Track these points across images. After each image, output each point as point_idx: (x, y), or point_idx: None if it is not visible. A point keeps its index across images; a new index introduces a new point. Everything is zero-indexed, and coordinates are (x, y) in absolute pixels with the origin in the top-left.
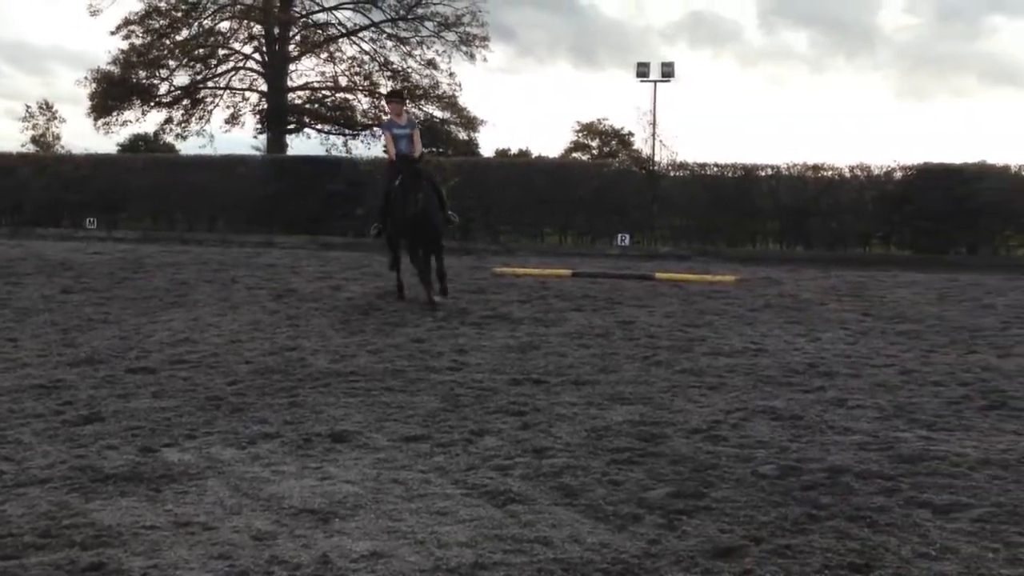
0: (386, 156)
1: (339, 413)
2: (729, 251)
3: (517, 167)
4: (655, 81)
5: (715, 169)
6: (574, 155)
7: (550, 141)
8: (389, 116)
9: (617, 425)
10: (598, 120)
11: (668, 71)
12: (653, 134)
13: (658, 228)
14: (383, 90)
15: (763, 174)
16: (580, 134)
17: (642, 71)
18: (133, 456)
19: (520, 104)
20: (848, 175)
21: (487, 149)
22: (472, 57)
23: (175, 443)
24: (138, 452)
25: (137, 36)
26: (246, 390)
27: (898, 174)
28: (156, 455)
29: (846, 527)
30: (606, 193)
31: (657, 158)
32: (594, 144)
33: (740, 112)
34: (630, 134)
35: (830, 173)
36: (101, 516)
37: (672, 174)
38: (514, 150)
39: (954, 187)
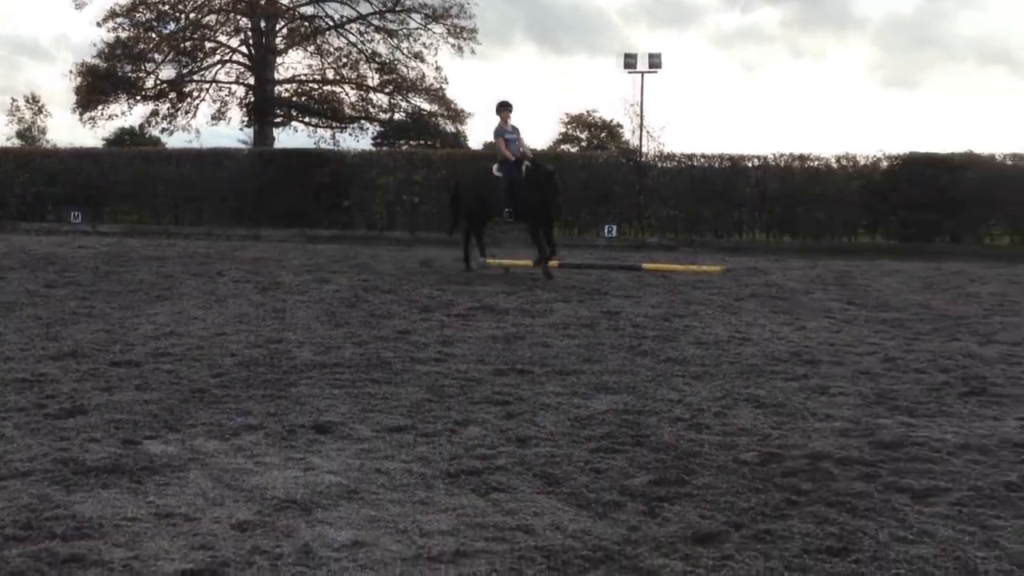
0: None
1: (323, 404)
2: (716, 241)
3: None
4: (642, 72)
5: (702, 160)
6: (563, 147)
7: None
8: (499, 123)
9: (601, 414)
10: (587, 112)
11: (656, 61)
12: (640, 125)
13: (645, 219)
14: (370, 82)
15: (750, 165)
16: (569, 126)
17: (629, 61)
18: (115, 449)
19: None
20: (835, 165)
21: (475, 142)
22: (460, 50)
23: (158, 435)
24: (120, 445)
25: (123, 29)
26: (230, 382)
27: (884, 164)
28: (138, 447)
29: (825, 512)
30: (594, 184)
31: (644, 149)
32: (584, 136)
33: (717, 97)
34: (619, 125)
35: (816, 163)
36: (82, 508)
37: (660, 165)
38: None
39: (939, 176)
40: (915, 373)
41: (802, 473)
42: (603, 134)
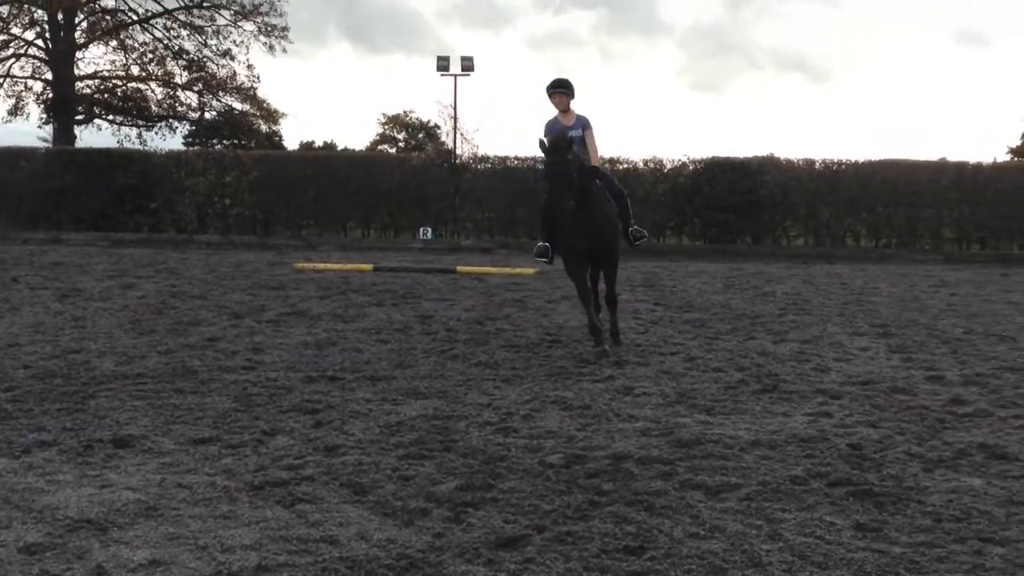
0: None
1: (124, 417)
2: (530, 244)
3: (320, 160)
4: (455, 75)
5: (516, 162)
6: (380, 148)
7: (357, 134)
8: (554, 116)
9: (411, 420)
10: (404, 112)
11: (468, 64)
12: (454, 127)
13: (460, 221)
14: (178, 80)
15: None
16: (386, 126)
17: (442, 64)
18: None
19: (321, 95)
20: (643, 168)
21: (291, 142)
22: (272, 48)
23: None
24: None
25: None
26: (23, 396)
27: (689, 167)
28: None
29: (624, 511)
30: (409, 186)
31: (459, 151)
32: (401, 137)
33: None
34: (436, 127)
35: (625, 166)
36: None
37: (475, 167)
38: (319, 143)
39: (740, 180)
40: (714, 372)
41: (604, 474)
42: (420, 135)
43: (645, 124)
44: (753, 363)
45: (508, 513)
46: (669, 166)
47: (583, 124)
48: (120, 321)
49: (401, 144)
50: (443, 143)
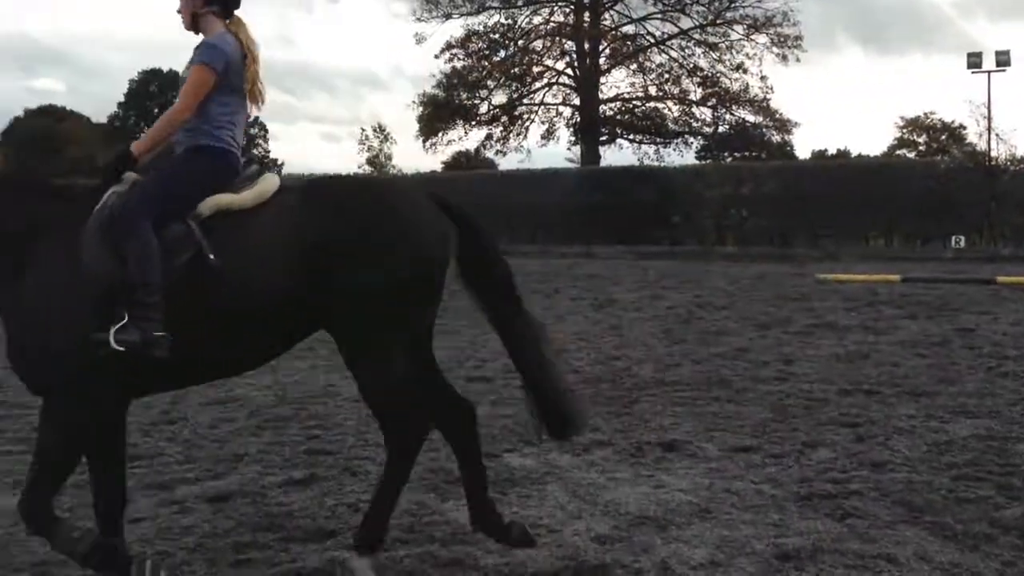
0: None
1: (668, 422)
2: None
3: (836, 169)
4: (988, 72)
5: None
6: (898, 153)
7: (870, 139)
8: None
9: (962, 440)
10: (924, 114)
11: (1004, 59)
12: (988, 128)
13: (997, 227)
14: (693, 96)
15: None
16: (904, 130)
17: (974, 61)
18: None
19: (830, 101)
20: None
21: (803, 151)
22: (785, 59)
23: (515, 449)
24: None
25: (458, 59)
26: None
27: None
28: (499, 460)
29: None
30: (936, 192)
31: (994, 153)
32: (921, 140)
33: None
34: (962, 127)
35: None
36: (456, 515)
37: (1012, 169)
38: (831, 150)
39: None
40: None
41: None
42: (943, 137)
43: None
44: None
45: None
46: None
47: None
48: (653, 330)
49: (922, 148)
50: (971, 145)
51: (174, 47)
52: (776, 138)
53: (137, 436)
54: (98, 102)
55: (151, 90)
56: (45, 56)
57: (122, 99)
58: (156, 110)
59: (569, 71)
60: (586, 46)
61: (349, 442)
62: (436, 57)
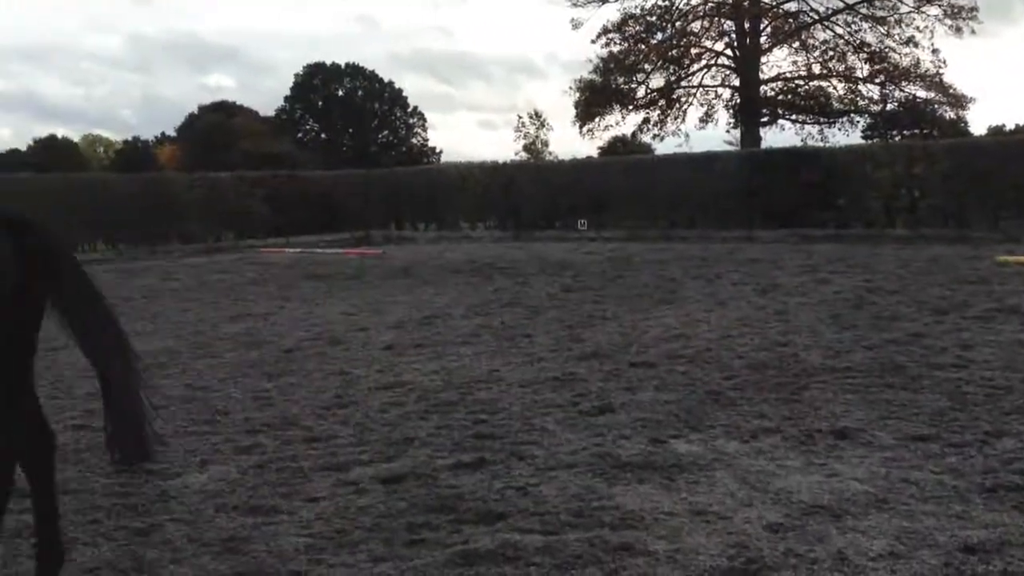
0: None
1: (839, 410)
2: None
3: (1016, 144)
4: None
5: None
6: None
7: None
8: None
9: None
10: None
11: None
12: None
13: None
14: (859, 73)
15: None
16: None
17: None
18: (644, 446)
19: (1008, 74)
20: None
21: (978, 127)
22: (959, 31)
23: (681, 435)
24: (648, 442)
25: (615, 43)
26: (742, 384)
27: None
28: (665, 446)
29: None
30: None
31: None
32: None
33: None
34: None
35: None
36: (624, 500)
37: None
38: (1010, 126)
39: None
40: None
41: None
42: None
43: None
44: None
45: None
46: None
47: None
48: (820, 315)
49: None
50: None
51: (337, 40)
52: (950, 114)
53: (312, 419)
54: (266, 96)
55: (315, 83)
56: (215, 53)
57: (288, 93)
58: (320, 103)
59: (728, 52)
60: (746, 25)
61: (515, 427)
62: (592, 42)
